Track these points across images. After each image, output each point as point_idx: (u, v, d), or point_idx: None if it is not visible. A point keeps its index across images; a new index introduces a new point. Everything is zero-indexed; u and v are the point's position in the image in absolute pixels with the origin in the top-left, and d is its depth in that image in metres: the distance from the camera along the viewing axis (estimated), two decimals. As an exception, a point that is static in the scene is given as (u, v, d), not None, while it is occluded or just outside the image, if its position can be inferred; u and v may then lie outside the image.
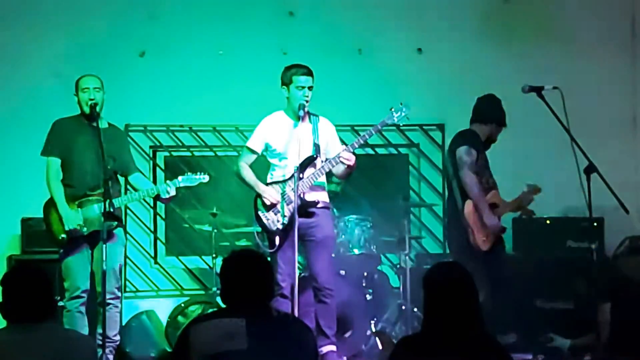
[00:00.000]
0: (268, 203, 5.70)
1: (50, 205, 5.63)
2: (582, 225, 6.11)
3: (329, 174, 5.91)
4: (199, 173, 5.82)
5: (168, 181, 5.75)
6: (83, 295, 5.60)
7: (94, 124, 5.60)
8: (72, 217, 5.56)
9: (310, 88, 5.68)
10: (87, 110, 5.64)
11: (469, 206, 5.96)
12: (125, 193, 5.93)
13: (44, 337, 3.47)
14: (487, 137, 6.20)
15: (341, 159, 5.58)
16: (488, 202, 6.02)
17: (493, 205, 6.05)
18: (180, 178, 5.73)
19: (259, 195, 5.76)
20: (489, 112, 6.19)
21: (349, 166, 5.62)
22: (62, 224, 5.57)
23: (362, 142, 5.82)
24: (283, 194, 5.69)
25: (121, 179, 5.88)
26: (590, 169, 5.44)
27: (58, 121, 5.78)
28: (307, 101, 5.66)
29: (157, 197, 5.85)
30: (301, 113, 5.61)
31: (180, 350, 3.47)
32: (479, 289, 6.03)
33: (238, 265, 3.54)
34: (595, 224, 5.71)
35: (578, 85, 7.31)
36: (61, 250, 5.65)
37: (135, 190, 5.77)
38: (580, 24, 7.78)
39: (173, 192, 5.67)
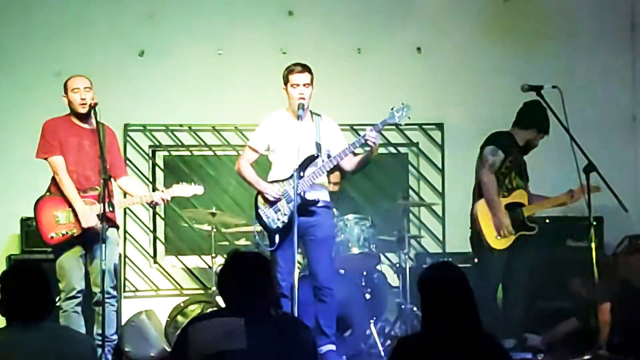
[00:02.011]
0: (271, 199, 5.68)
1: (44, 205, 5.58)
2: (581, 224, 6.11)
3: (330, 173, 5.89)
4: (193, 184, 5.82)
5: (165, 190, 5.78)
6: (78, 295, 5.58)
7: (86, 125, 5.59)
8: (88, 214, 5.52)
9: (306, 85, 5.65)
10: (80, 110, 5.58)
11: (480, 204, 6.11)
12: (125, 196, 5.91)
13: (45, 337, 3.46)
14: (526, 141, 6.25)
15: (367, 138, 5.56)
16: (511, 201, 6.08)
17: (517, 205, 6.08)
18: (174, 187, 5.74)
19: (259, 193, 5.76)
20: (531, 118, 6.20)
21: (371, 150, 5.62)
22: (52, 224, 5.53)
23: (363, 142, 5.82)
24: (284, 193, 5.68)
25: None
26: (590, 168, 5.45)
27: (49, 122, 5.67)
28: (302, 98, 5.62)
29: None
30: (301, 112, 5.59)
31: (179, 349, 3.47)
32: (484, 285, 6.08)
33: (236, 265, 3.53)
34: (594, 223, 5.70)
35: (578, 84, 7.32)
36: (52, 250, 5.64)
37: (130, 194, 5.77)
38: (580, 23, 7.78)
39: (168, 198, 5.71)
